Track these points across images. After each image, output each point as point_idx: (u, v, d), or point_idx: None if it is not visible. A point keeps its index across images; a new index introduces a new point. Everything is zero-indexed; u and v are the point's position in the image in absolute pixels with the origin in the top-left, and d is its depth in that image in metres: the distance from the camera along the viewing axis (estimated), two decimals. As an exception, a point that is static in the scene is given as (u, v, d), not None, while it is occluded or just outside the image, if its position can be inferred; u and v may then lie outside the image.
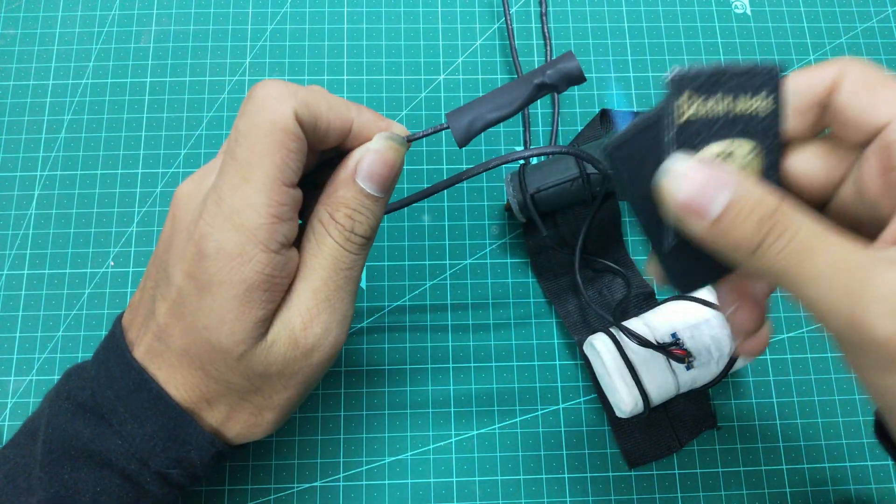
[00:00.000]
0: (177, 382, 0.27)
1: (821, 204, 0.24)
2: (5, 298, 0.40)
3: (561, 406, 0.39)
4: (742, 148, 0.22)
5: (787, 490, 0.38)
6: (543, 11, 0.45)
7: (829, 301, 0.19)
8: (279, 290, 0.26)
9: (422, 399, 0.39)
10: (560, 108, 0.44)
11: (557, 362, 0.40)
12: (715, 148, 0.22)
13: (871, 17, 0.47)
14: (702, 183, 0.20)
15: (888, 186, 0.21)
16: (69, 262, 0.41)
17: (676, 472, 0.38)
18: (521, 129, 0.43)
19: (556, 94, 0.44)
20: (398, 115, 0.44)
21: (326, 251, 0.27)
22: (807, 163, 0.23)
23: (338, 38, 0.46)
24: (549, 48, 0.45)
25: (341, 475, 0.38)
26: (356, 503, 0.37)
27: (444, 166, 0.43)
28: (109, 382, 0.27)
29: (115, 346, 0.28)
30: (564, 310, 0.40)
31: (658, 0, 0.47)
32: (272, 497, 0.37)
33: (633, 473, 0.38)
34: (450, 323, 0.40)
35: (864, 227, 0.22)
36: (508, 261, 0.42)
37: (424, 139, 0.43)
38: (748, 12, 0.47)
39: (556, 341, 0.40)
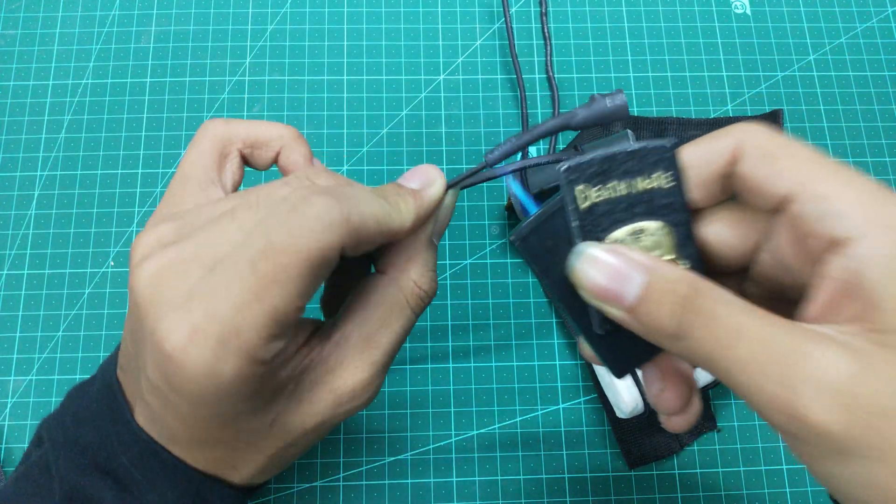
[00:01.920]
0: (195, 458, 0.25)
1: (742, 269, 0.23)
2: (5, 298, 0.40)
3: (561, 406, 0.39)
4: (651, 226, 0.22)
5: (787, 490, 0.38)
6: (543, 11, 0.45)
7: (762, 391, 0.18)
8: (282, 369, 0.24)
9: (422, 399, 0.39)
10: (560, 109, 0.44)
11: (557, 362, 0.40)
12: (624, 230, 0.21)
13: (871, 17, 0.47)
14: (614, 268, 0.20)
15: (801, 256, 0.20)
16: (69, 262, 0.41)
17: (676, 472, 0.38)
18: (520, 128, 0.43)
19: (555, 93, 0.44)
20: (398, 114, 0.44)
21: (398, 322, 0.25)
22: (720, 231, 0.23)
23: (338, 38, 0.46)
24: (549, 48, 0.45)
25: (341, 475, 0.38)
26: (356, 503, 0.37)
27: (445, 166, 0.43)
28: (122, 448, 0.25)
29: (118, 406, 0.26)
30: (564, 310, 0.40)
31: (658, 0, 0.47)
32: (272, 497, 0.37)
33: (633, 473, 0.38)
34: (450, 323, 0.40)
35: (789, 291, 0.22)
36: (508, 261, 0.42)
37: (425, 136, 0.43)
38: (748, 12, 0.47)
39: (556, 341, 0.40)
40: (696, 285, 0.19)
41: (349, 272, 0.28)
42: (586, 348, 0.24)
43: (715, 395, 0.40)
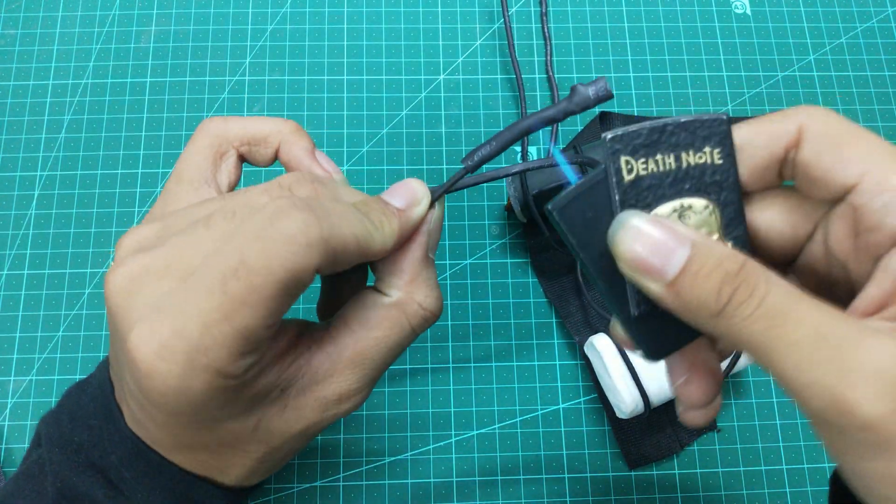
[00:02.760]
0: (181, 461, 0.25)
1: (787, 261, 0.22)
2: (5, 298, 0.40)
3: (561, 406, 0.39)
4: (698, 204, 0.21)
5: (787, 490, 0.38)
6: (544, 11, 0.45)
7: (808, 376, 0.17)
8: (262, 376, 0.23)
9: (422, 399, 0.39)
10: (560, 108, 0.44)
11: (557, 362, 0.40)
12: (668, 206, 0.21)
13: (871, 17, 0.47)
14: (657, 240, 0.19)
15: (858, 250, 0.20)
16: (69, 262, 0.41)
17: (676, 472, 0.38)
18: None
19: (556, 92, 0.44)
20: (398, 114, 0.44)
21: (396, 342, 0.25)
22: (770, 218, 0.22)
23: (338, 38, 0.46)
24: (549, 48, 0.45)
25: (341, 475, 0.38)
26: (356, 503, 0.37)
27: (444, 166, 0.43)
28: (112, 447, 0.25)
29: (109, 406, 0.26)
30: (566, 310, 0.40)
31: (658, 0, 0.47)
32: (272, 497, 0.37)
33: (633, 473, 0.38)
34: (450, 323, 0.40)
35: (835, 287, 0.21)
36: (508, 261, 0.42)
37: (425, 136, 0.43)
38: (748, 12, 0.47)
39: (556, 341, 0.40)
40: (746, 263, 0.18)
41: (346, 279, 0.28)
42: (619, 331, 0.23)
43: (715, 395, 0.40)
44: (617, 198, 0.20)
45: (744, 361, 0.37)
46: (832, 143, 0.20)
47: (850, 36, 0.47)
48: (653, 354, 0.22)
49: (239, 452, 0.25)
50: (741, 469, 0.39)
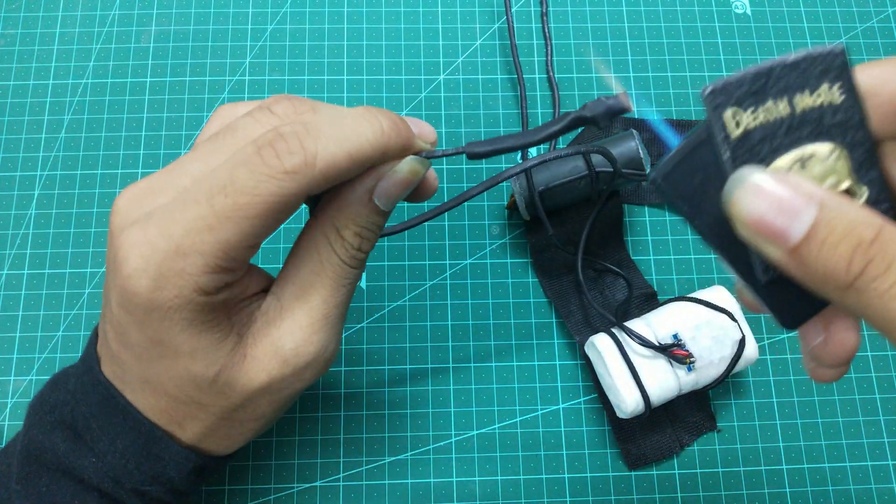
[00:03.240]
0: (143, 406, 0.26)
1: None
2: (5, 298, 0.40)
3: (561, 406, 0.39)
4: (821, 150, 0.18)
5: (787, 490, 0.38)
6: (544, 11, 0.45)
7: None
8: (227, 314, 0.25)
9: (422, 399, 0.39)
10: (560, 109, 0.44)
11: (557, 362, 0.40)
12: (787, 157, 0.18)
13: (871, 17, 0.47)
14: (778, 199, 0.16)
15: None
16: (69, 262, 0.41)
17: (676, 472, 0.38)
18: (519, 129, 0.43)
19: (556, 92, 0.44)
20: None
21: (329, 269, 0.25)
22: None
23: (338, 38, 0.46)
24: (549, 48, 0.45)
25: (341, 475, 0.38)
26: (356, 503, 0.37)
27: (445, 167, 0.43)
28: (85, 398, 0.26)
29: (88, 358, 0.27)
30: (566, 309, 0.40)
31: (658, 0, 0.47)
32: (272, 497, 0.37)
33: (633, 473, 0.38)
34: (450, 323, 0.40)
35: None
36: (508, 261, 0.42)
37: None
38: (748, 12, 0.47)
39: (556, 341, 0.40)
40: (883, 229, 0.16)
41: None
42: (747, 295, 0.21)
43: (715, 395, 0.40)
44: (726, 157, 0.18)
45: (744, 362, 0.36)
46: None
47: (850, 36, 0.47)
48: (787, 323, 0.20)
49: (197, 405, 0.25)
50: (741, 469, 0.39)
